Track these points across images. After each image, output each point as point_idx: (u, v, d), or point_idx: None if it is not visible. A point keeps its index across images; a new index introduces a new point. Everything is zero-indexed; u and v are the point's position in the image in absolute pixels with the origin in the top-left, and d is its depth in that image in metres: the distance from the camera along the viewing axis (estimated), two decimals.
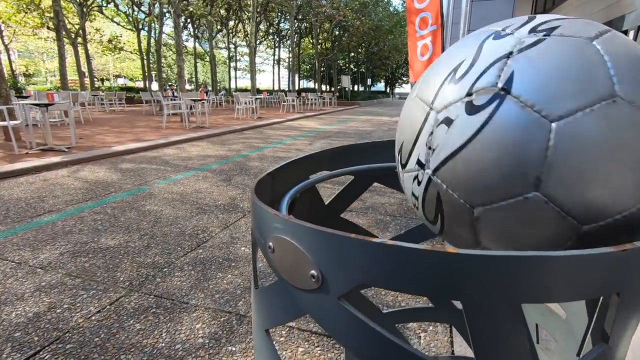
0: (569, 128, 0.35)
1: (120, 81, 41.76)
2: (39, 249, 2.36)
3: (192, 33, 26.22)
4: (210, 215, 3.02)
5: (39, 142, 5.87)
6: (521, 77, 0.37)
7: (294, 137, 8.10)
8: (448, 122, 0.41)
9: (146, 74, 22.11)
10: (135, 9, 21.04)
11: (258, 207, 0.39)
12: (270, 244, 0.37)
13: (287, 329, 1.63)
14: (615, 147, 0.34)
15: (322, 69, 33.02)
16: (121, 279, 2.02)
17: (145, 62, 22.03)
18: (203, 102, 9.64)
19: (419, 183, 0.46)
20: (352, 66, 39.12)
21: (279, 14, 28.40)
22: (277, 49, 33.74)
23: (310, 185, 0.60)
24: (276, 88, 34.30)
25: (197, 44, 27.67)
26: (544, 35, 0.39)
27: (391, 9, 33.13)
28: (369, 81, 44.55)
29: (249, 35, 19.24)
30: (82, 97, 11.22)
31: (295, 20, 25.94)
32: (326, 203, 0.71)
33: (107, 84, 36.47)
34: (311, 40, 30.73)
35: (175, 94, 12.53)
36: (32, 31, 20.20)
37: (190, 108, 9.65)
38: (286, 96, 16.14)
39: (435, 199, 0.44)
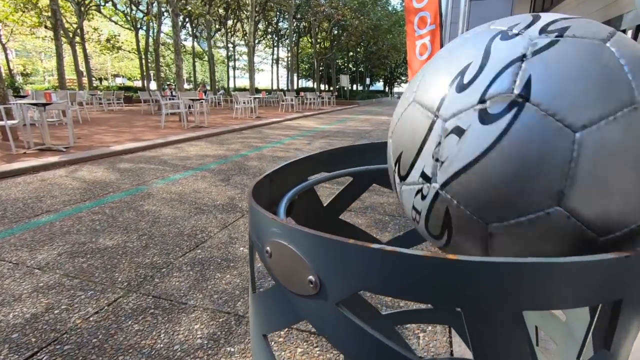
0: (593, 138, 0.33)
1: (119, 80, 41.66)
2: (36, 250, 2.35)
3: (190, 32, 26.16)
4: (209, 215, 3.02)
5: (37, 142, 5.85)
6: (539, 82, 0.34)
7: (292, 136, 8.09)
8: (459, 132, 0.37)
9: (144, 73, 22.06)
10: (134, 8, 20.98)
11: (255, 211, 0.38)
12: (268, 248, 0.37)
13: (286, 329, 1.63)
14: (639, 155, 0.33)
15: (320, 68, 33.01)
16: (119, 279, 2.01)
17: (143, 61, 21.98)
18: (201, 102, 9.62)
19: (423, 197, 0.42)
20: (350, 65, 39.12)
21: (278, 13, 28.36)
22: (275, 48, 33.70)
23: (309, 187, 0.60)
24: (275, 87, 34.25)
25: (195, 43, 27.61)
26: (556, 37, 0.37)
27: (390, 8, 33.12)
28: (367, 80, 44.55)
29: (247, 35, 19.21)
30: (80, 96, 11.18)
31: (293, 20, 25.92)
32: (325, 204, 0.71)
33: (105, 83, 36.37)
34: (310, 40, 30.71)
35: (174, 93, 12.50)
36: (29, 30, 20.13)
37: (189, 107, 9.64)
38: (285, 95, 16.13)
39: (443, 214, 0.41)
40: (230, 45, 29.80)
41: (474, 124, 0.37)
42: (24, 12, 17.24)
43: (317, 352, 1.49)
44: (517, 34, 0.39)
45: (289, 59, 25.87)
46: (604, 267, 0.26)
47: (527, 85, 0.35)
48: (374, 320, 0.84)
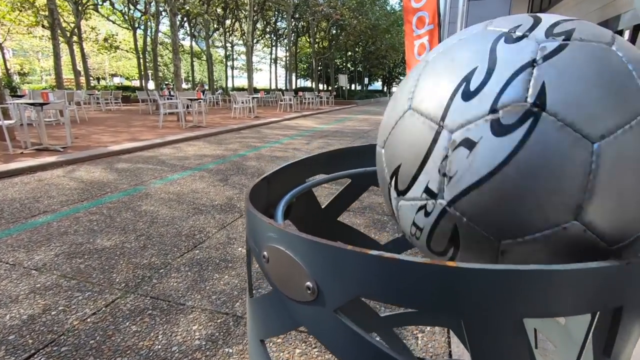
0: (610, 148, 0.32)
1: (117, 80, 41.54)
2: (33, 250, 2.34)
3: (188, 32, 26.10)
4: (207, 216, 3.01)
5: (34, 142, 5.83)
6: (554, 90, 0.32)
7: (291, 136, 8.09)
8: (469, 144, 0.35)
9: (142, 73, 22.00)
10: (131, 7, 20.91)
11: (252, 215, 0.38)
12: (265, 253, 0.36)
13: None
14: None
15: (319, 68, 33.00)
16: (117, 280, 2.00)
17: (141, 61, 21.91)
18: (200, 102, 9.60)
19: (427, 214, 0.39)
20: (349, 65, 39.12)
21: (276, 12, 28.34)
22: (274, 48, 33.67)
23: (307, 189, 0.60)
24: (273, 87, 34.23)
25: (193, 43, 27.56)
26: (564, 40, 0.35)
27: (388, 8, 33.13)
28: (366, 80, 44.57)
29: (245, 34, 19.18)
30: (78, 96, 11.14)
31: (292, 19, 25.89)
32: (323, 206, 0.70)
33: (103, 82, 36.25)
34: (308, 39, 30.68)
35: (172, 93, 12.47)
36: (26, 29, 20.04)
37: (187, 107, 9.61)
38: (283, 95, 16.11)
39: (450, 232, 0.38)
40: (228, 44, 29.76)
41: (486, 135, 0.34)
42: (21, 11, 17.17)
43: (316, 353, 1.49)
44: (522, 37, 0.36)
45: (288, 58, 25.85)
46: (605, 274, 0.26)
47: (542, 93, 0.33)
48: (372, 322, 0.84)
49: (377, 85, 51.07)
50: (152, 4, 17.71)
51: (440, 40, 4.94)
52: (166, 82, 29.63)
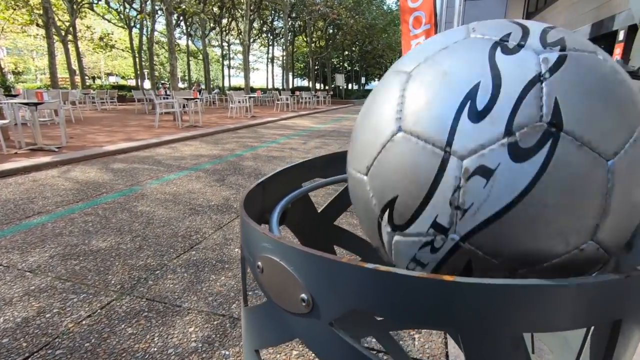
0: (622, 164, 0.31)
1: (112, 79, 41.31)
2: (27, 252, 2.31)
3: (184, 31, 25.99)
4: (204, 216, 3.00)
5: (29, 142, 5.78)
6: (567, 107, 0.31)
7: (288, 136, 8.08)
8: (485, 173, 0.31)
9: (138, 72, 21.89)
10: (127, 6, 20.79)
11: (246, 224, 0.37)
12: (259, 263, 0.36)
13: None
14: None
15: (316, 67, 32.98)
16: (112, 282, 1.99)
17: (137, 60, 21.80)
18: (196, 101, 9.56)
19: (435, 250, 0.35)
20: (346, 65, 39.13)
21: (273, 12, 28.28)
22: (270, 47, 33.60)
23: (303, 194, 0.59)
24: (270, 86, 34.17)
25: (189, 42, 27.45)
26: (561, 51, 0.33)
27: (385, 7, 33.18)
28: (363, 80, 44.62)
29: (242, 33, 19.13)
30: (73, 95, 11.06)
31: (288, 19, 25.85)
32: (319, 210, 0.70)
33: (98, 82, 36.04)
34: (305, 39, 30.65)
35: (168, 92, 12.41)
36: (21, 28, 19.87)
37: (183, 107, 9.57)
38: (280, 95, 16.09)
39: (462, 267, 0.35)
40: (225, 44, 29.67)
41: (504, 162, 0.31)
42: (14, 9, 17.02)
43: (313, 355, 1.48)
44: (518, 47, 0.34)
45: (284, 58, 25.82)
46: (604, 288, 0.25)
47: (557, 111, 0.31)
48: (369, 325, 0.83)
49: (374, 84, 51.09)
50: (147, 3, 17.61)
51: None
52: (162, 82, 29.49)
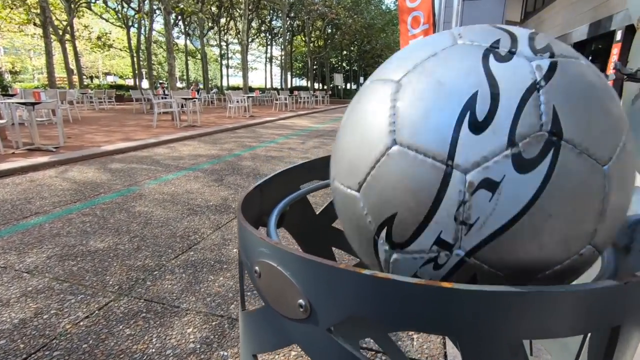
0: (614, 169, 0.31)
1: (110, 79, 41.17)
2: (25, 253, 2.30)
3: (183, 30, 25.94)
4: (202, 217, 2.99)
5: (26, 142, 5.75)
6: (564, 115, 0.30)
7: (286, 135, 8.07)
8: (491, 186, 0.30)
9: (136, 71, 21.83)
10: (125, 5, 20.73)
11: (243, 228, 0.37)
12: (257, 268, 0.35)
13: None
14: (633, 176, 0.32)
15: (314, 67, 32.96)
16: (110, 282, 1.98)
17: (135, 59, 21.74)
18: (194, 101, 9.54)
19: (438, 267, 0.34)
20: (344, 64, 39.12)
21: (271, 11, 28.24)
22: (269, 47, 33.56)
23: (301, 196, 0.59)
24: (268, 86, 34.14)
25: (188, 42, 27.39)
26: (550, 57, 0.33)
27: (383, 7, 33.18)
28: (361, 79, 44.60)
29: (240, 33, 19.10)
30: (71, 95, 11.02)
31: (287, 18, 25.82)
32: (318, 212, 0.70)
33: (96, 81, 35.93)
34: (303, 38, 30.63)
35: (166, 92, 12.38)
36: (18, 27, 19.78)
37: (182, 106, 9.55)
38: (278, 94, 16.07)
39: (467, 281, 0.34)
40: (223, 43, 29.62)
41: (509, 173, 0.30)
42: (12, 8, 16.94)
43: None
44: (510, 54, 0.34)
45: (283, 57, 25.79)
46: (603, 295, 0.25)
47: (556, 119, 0.30)
48: (367, 327, 0.83)
49: None
50: (145, 2, 17.56)
51: None
52: (160, 81, 29.42)
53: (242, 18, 16.89)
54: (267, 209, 0.54)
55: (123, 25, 21.87)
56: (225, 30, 27.94)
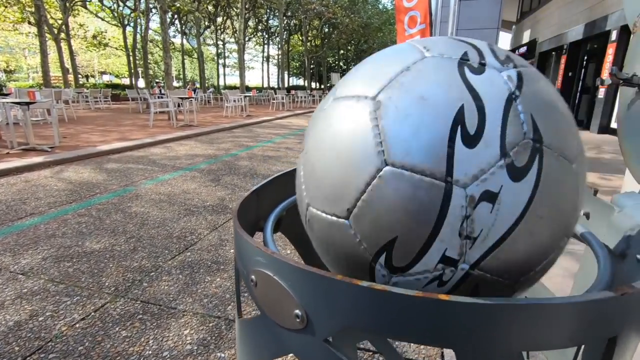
0: (579, 166, 0.34)
1: (106, 78, 40.91)
2: (20, 254, 2.29)
3: (179, 29, 25.82)
4: (199, 217, 2.98)
5: (21, 142, 5.71)
6: (541, 122, 0.32)
7: (283, 135, 8.06)
8: (490, 197, 0.31)
9: (132, 70, 21.72)
10: (121, 4, 20.61)
11: (239, 236, 0.37)
12: (253, 277, 0.35)
13: None
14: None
15: (311, 66, 32.94)
16: (106, 284, 1.97)
17: (131, 58, 21.62)
18: (191, 100, 9.51)
19: (443, 284, 0.34)
20: (341, 64, 39.12)
21: (268, 10, 28.18)
22: (266, 46, 33.50)
23: None
24: (265, 85, 34.08)
25: (184, 41, 27.28)
26: (514, 68, 0.35)
27: (380, 6, 33.20)
28: None
29: (237, 32, 19.04)
30: (66, 94, 10.95)
31: (284, 17, 25.78)
32: None
33: (92, 80, 35.72)
34: (300, 38, 30.59)
35: (163, 91, 12.33)
36: (12, 26, 19.61)
37: (178, 106, 9.51)
38: (275, 94, 16.05)
39: (469, 292, 0.34)
40: (220, 42, 29.52)
41: (506, 183, 0.31)
42: (6, 7, 16.80)
43: None
44: (481, 65, 0.34)
45: (280, 56, 25.74)
46: (600, 306, 0.25)
47: (535, 127, 0.32)
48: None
49: None
50: (141, 1, 17.47)
51: None
52: (157, 80, 29.29)
53: (239, 17, 16.83)
54: (263, 214, 0.53)
55: (119, 24, 21.74)
56: (222, 29, 27.85)
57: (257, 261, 0.34)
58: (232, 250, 2.39)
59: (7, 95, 8.40)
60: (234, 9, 24.30)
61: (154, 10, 18.50)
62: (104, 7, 21.29)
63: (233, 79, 48.23)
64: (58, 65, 18.20)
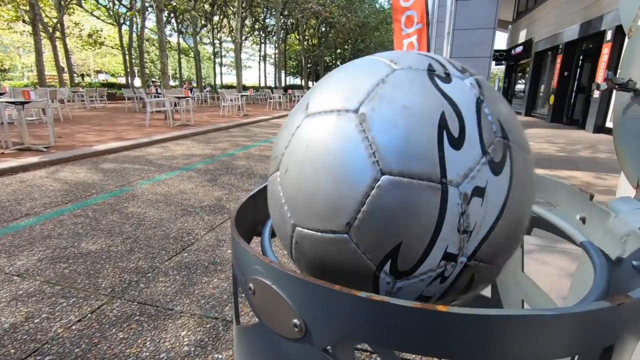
0: (531, 157, 0.40)
1: (102, 77, 40.64)
2: (15, 255, 2.27)
3: (175, 28, 25.70)
4: (196, 217, 2.97)
5: (16, 142, 5.67)
6: (502, 120, 0.37)
7: None
8: (480, 192, 0.34)
9: (128, 69, 21.60)
10: (116, 2, 20.49)
11: (237, 244, 0.37)
12: (251, 285, 0.35)
13: None
14: None
15: (308, 65, 32.90)
16: (103, 285, 1.96)
17: (127, 57, 21.51)
18: (187, 99, 9.47)
19: (444, 280, 0.36)
20: (338, 63, 39.08)
21: (265, 9, 28.10)
22: (263, 45, 33.41)
23: None
24: (262, 85, 34.01)
25: (181, 40, 27.16)
26: (471, 76, 0.39)
27: (377, 5, 33.20)
28: None
29: (234, 31, 18.98)
30: (61, 93, 10.87)
31: (281, 16, 25.73)
32: None
33: (87, 79, 35.51)
34: (297, 37, 30.55)
35: (159, 90, 12.28)
36: (6, 24, 19.44)
37: (175, 105, 9.48)
38: (272, 93, 16.03)
39: (466, 284, 0.37)
40: (216, 41, 29.42)
41: (490, 178, 0.34)
42: (0, 5, 16.64)
43: None
44: (447, 75, 0.38)
45: (277, 56, 25.70)
46: (597, 317, 0.25)
47: (501, 126, 0.36)
48: None
49: None
50: (137, 0, 17.37)
51: (428, 39, 4.96)
52: (153, 80, 29.15)
53: (236, 16, 16.78)
54: (261, 219, 0.53)
55: (114, 23, 21.60)
56: (219, 28, 27.75)
57: (256, 270, 0.34)
58: (229, 251, 2.39)
59: (1, 94, 8.34)
60: (231, 7, 24.22)
61: (150, 9, 18.40)
62: (99, 5, 21.15)
63: (230, 78, 48.11)
64: (53, 64, 18.08)
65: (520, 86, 16.90)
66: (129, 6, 18.79)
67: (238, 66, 17.73)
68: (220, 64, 34.03)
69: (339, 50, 36.74)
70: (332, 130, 0.37)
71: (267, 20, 30.96)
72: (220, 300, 1.85)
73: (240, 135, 7.79)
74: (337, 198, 0.35)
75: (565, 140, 7.49)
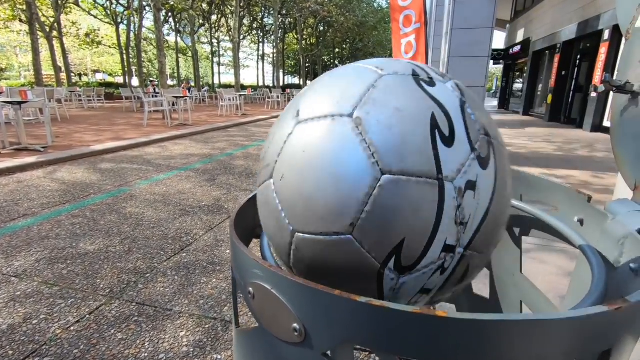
0: (507, 151, 0.43)
1: (99, 76, 40.50)
2: (13, 256, 2.26)
3: (173, 27, 25.63)
4: (194, 217, 2.97)
5: (13, 142, 5.64)
6: (482, 119, 0.39)
7: None
8: (472, 185, 0.36)
9: (126, 69, 21.54)
10: (114, 1, 20.42)
11: (236, 248, 0.37)
12: (250, 289, 0.35)
13: None
14: None
15: (306, 64, 32.87)
16: (101, 286, 1.96)
17: (124, 57, 21.43)
18: (186, 99, 9.45)
19: (444, 271, 0.38)
20: (337, 62, 39.08)
21: (263, 8, 28.05)
22: (261, 45, 33.36)
23: None
24: (260, 84, 33.96)
25: (179, 39, 27.08)
26: (450, 80, 0.42)
27: (375, 5, 33.19)
28: None
29: (232, 30, 18.94)
30: (59, 93, 10.83)
31: (279, 16, 25.69)
32: None
33: (85, 79, 35.38)
34: (295, 36, 30.52)
35: (157, 90, 12.24)
36: (3, 24, 19.34)
37: (173, 105, 9.46)
38: (271, 92, 16.01)
39: (462, 274, 0.40)
40: (214, 40, 29.35)
41: (479, 172, 0.37)
42: None
43: None
44: (430, 79, 0.41)
45: (275, 55, 25.66)
46: (594, 321, 0.26)
47: (483, 124, 0.39)
48: None
49: None
50: None
51: (426, 39, 4.96)
52: (151, 79, 29.03)
53: (234, 15, 16.75)
54: (260, 222, 0.53)
55: (112, 22, 21.52)
56: (217, 28, 27.69)
57: (255, 274, 0.34)
58: (227, 251, 2.39)
59: None
60: (229, 7, 24.17)
61: (147, 8, 18.34)
62: (96, 4, 21.07)
63: (228, 78, 48.00)
64: (50, 63, 18.00)
65: (518, 85, 16.94)
66: (126, 5, 18.73)
67: (236, 65, 17.70)
68: (219, 64, 33.97)
69: (337, 50, 36.72)
70: (329, 134, 0.38)
71: (265, 20, 30.91)
72: (219, 300, 1.85)
73: (238, 135, 7.78)
74: (339, 200, 0.36)
75: (562, 140, 7.51)
